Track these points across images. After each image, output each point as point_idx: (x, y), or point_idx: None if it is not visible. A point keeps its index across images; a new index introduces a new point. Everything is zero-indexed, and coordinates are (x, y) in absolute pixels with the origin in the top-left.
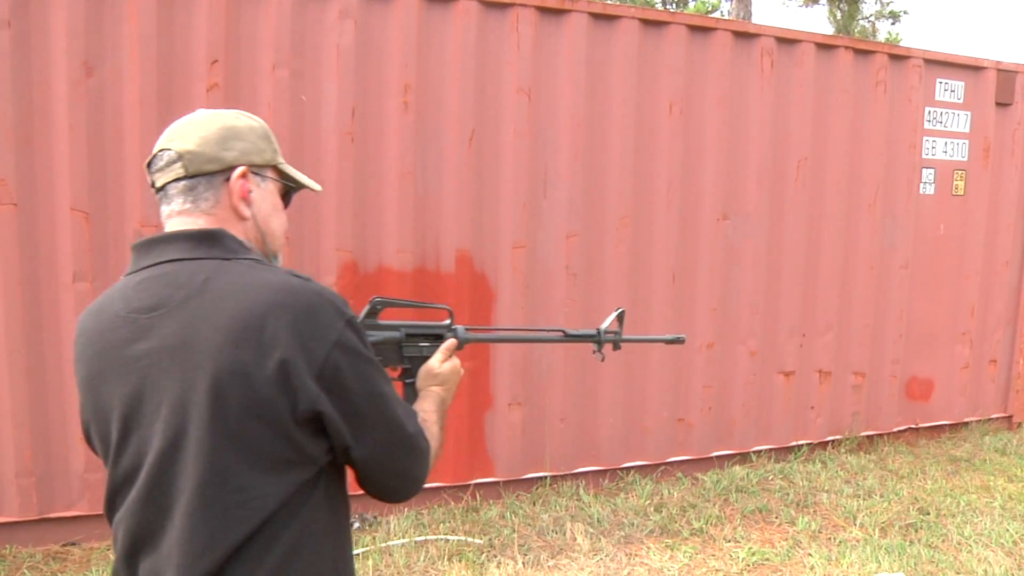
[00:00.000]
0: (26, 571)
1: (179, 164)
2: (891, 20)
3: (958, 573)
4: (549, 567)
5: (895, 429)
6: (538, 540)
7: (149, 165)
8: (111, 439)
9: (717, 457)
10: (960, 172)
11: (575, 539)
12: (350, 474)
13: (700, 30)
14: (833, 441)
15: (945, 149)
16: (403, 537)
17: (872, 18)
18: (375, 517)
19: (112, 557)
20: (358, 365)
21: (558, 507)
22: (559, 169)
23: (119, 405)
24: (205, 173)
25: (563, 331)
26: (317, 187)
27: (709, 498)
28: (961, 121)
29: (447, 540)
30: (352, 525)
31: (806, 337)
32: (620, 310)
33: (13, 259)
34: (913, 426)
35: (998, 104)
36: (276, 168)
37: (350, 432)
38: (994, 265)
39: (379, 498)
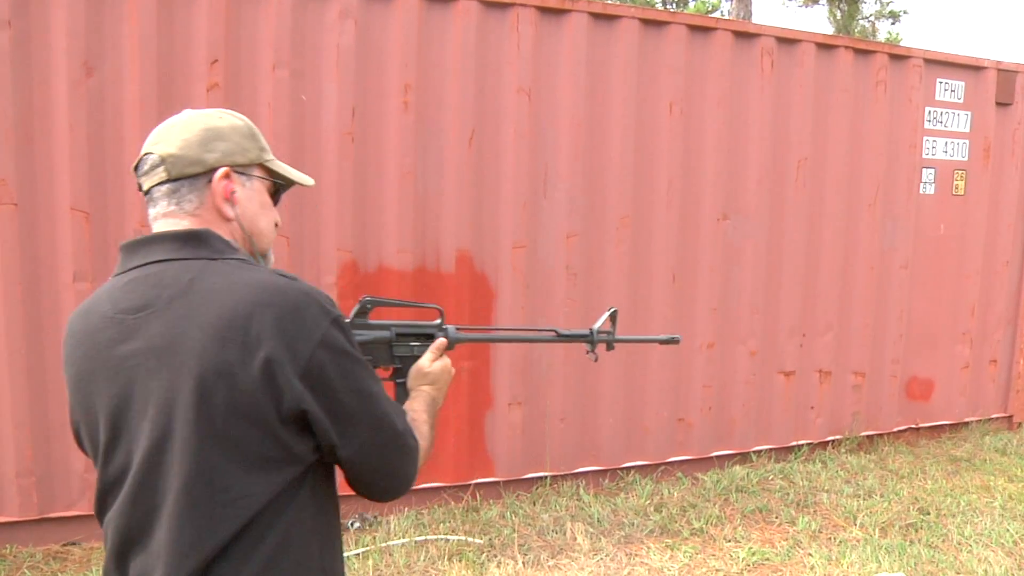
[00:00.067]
0: (26, 571)
1: (162, 168)
2: (891, 20)
3: (958, 573)
4: (549, 567)
5: (895, 429)
6: (538, 540)
7: (136, 168)
8: (100, 440)
9: (717, 457)
10: (960, 172)
11: (575, 539)
12: (341, 475)
13: (700, 30)
14: (833, 441)
15: (945, 149)
16: (403, 537)
17: (872, 18)
18: (375, 517)
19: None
20: (344, 364)
21: (558, 507)
22: (559, 169)
23: (107, 406)
24: (188, 176)
25: (555, 331)
26: (309, 181)
27: (709, 498)
28: (961, 121)
29: (447, 540)
30: (352, 525)
31: (806, 337)
32: (612, 309)
33: (13, 259)
34: (913, 426)
35: (998, 104)
36: (263, 166)
37: (336, 431)
38: (994, 265)
39: (368, 497)
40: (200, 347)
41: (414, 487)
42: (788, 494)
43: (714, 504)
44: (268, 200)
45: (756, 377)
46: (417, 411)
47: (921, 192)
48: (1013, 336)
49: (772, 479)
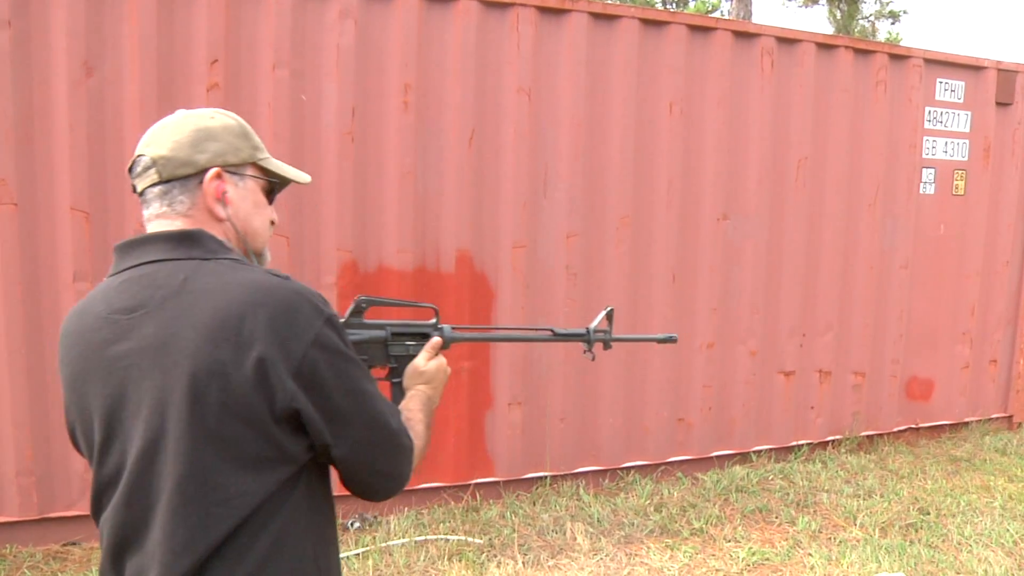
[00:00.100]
0: (26, 571)
1: (153, 170)
2: (891, 20)
3: (958, 573)
4: (549, 567)
5: (895, 429)
6: (538, 540)
7: (130, 170)
8: (95, 440)
9: (717, 457)
10: (960, 172)
11: (575, 539)
12: (336, 475)
13: (700, 30)
14: (833, 441)
15: (945, 149)
16: (403, 537)
17: (872, 18)
18: (375, 517)
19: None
20: (337, 363)
21: (558, 507)
22: (559, 169)
23: (101, 406)
24: (179, 177)
25: (552, 330)
26: (305, 178)
27: (709, 498)
28: (961, 121)
29: (447, 540)
30: (352, 525)
31: (806, 337)
32: (609, 308)
33: (13, 259)
34: (913, 426)
35: (998, 104)
36: (257, 165)
37: (329, 430)
38: (994, 265)
39: (362, 497)
40: (193, 347)
41: (414, 487)
42: (788, 494)
43: (714, 504)
44: (262, 199)
45: (756, 377)
46: (412, 410)
47: (921, 192)
48: (1013, 336)
49: (772, 479)
